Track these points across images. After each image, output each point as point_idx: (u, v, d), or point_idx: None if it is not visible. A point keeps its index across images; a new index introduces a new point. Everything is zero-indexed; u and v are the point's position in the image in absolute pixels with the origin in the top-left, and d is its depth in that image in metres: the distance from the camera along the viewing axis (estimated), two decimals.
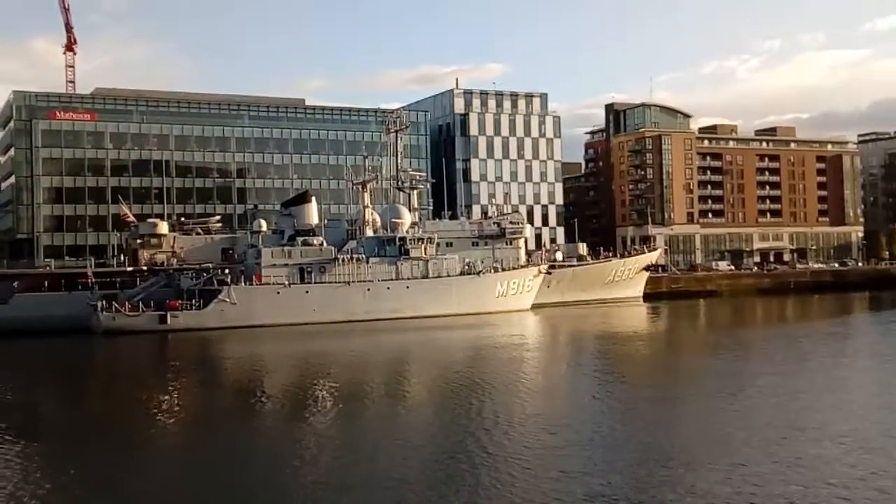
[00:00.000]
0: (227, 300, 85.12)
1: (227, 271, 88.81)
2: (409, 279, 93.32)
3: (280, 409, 40.67)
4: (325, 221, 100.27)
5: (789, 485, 25.23)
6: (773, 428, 32.69)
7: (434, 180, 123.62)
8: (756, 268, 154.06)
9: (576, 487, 25.43)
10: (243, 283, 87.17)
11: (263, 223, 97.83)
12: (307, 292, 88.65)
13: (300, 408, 39.74)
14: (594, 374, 51.87)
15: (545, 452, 29.75)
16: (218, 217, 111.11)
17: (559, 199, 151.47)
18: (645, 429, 33.81)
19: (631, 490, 25.07)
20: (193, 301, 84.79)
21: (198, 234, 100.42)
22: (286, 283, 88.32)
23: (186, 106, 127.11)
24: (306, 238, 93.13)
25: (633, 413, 37.45)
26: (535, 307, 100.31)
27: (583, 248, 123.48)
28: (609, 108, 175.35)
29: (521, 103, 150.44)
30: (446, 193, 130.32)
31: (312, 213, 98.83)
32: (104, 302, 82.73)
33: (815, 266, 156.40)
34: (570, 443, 31.02)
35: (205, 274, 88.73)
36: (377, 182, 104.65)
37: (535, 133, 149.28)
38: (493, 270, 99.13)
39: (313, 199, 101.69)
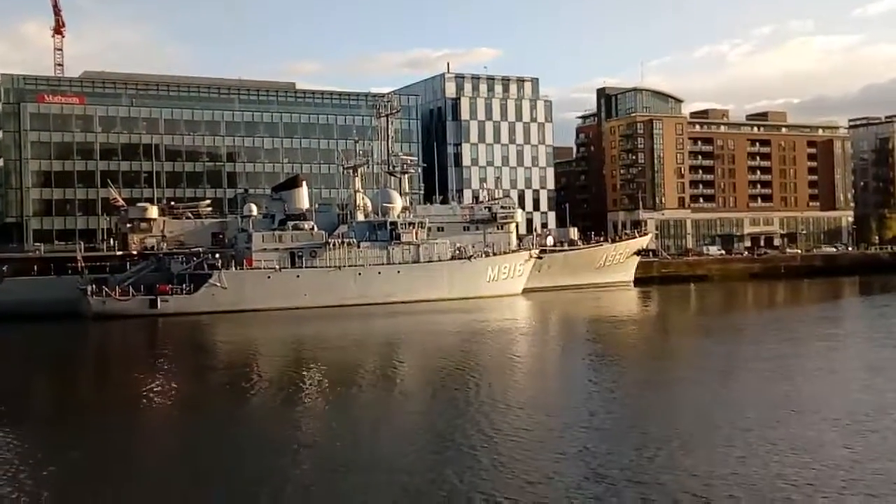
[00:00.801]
0: (218, 284, 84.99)
1: (217, 255, 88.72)
2: (400, 264, 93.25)
3: (275, 393, 40.51)
4: (316, 206, 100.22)
5: (786, 466, 25.32)
6: (768, 410, 32.84)
7: (425, 165, 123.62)
8: (747, 252, 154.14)
9: (577, 469, 25.55)
10: (234, 268, 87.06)
11: (254, 207, 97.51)
12: (298, 277, 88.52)
13: (295, 392, 39.64)
14: (588, 357, 51.95)
15: (545, 435, 29.85)
16: (208, 201, 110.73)
17: (550, 184, 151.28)
18: (642, 411, 33.96)
19: (632, 471, 25.14)
20: (184, 285, 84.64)
21: (188, 218, 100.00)
22: (277, 267, 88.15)
23: (176, 89, 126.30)
24: (297, 222, 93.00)
25: (630, 396, 37.56)
26: (527, 291, 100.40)
27: (574, 233, 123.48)
28: (601, 93, 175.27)
29: (513, 87, 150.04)
30: (437, 178, 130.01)
31: (303, 197, 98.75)
32: (94, 286, 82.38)
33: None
34: (568, 425, 31.09)
35: (195, 258, 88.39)
36: (368, 166, 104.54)
37: (526, 118, 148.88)
38: (484, 255, 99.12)
39: (304, 183, 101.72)
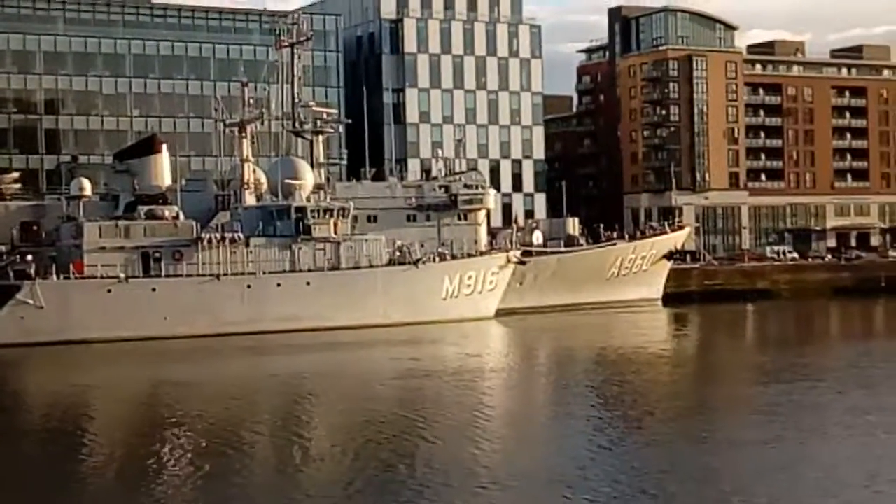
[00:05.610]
0: (30, 302, 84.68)
1: (29, 257, 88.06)
2: (310, 271, 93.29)
3: (108, 473, 39.83)
4: (183, 182, 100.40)
5: None
6: (868, 478, 34.61)
7: (350, 121, 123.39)
8: (831, 256, 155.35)
9: None
10: (55, 277, 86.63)
11: (87, 184, 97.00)
12: (154, 290, 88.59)
13: (138, 473, 38.77)
14: (598, 413, 51.94)
15: None
16: (15, 175, 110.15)
17: (539, 152, 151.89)
18: (702, 481, 35.24)
19: None
20: None
21: None
22: (122, 276, 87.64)
23: None
24: (153, 207, 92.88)
25: (675, 465, 37.97)
26: (502, 314, 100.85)
27: (574, 226, 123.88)
28: (615, 15, 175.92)
29: (483, 4, 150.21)
30: (368, 141, 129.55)
31: (162, 168, 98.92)
32: None
33: None
34: None
35: None
36: (263, 123, 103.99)
37: (502, 50, 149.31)
38: (438, 258, 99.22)
39: (164, 147, 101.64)
